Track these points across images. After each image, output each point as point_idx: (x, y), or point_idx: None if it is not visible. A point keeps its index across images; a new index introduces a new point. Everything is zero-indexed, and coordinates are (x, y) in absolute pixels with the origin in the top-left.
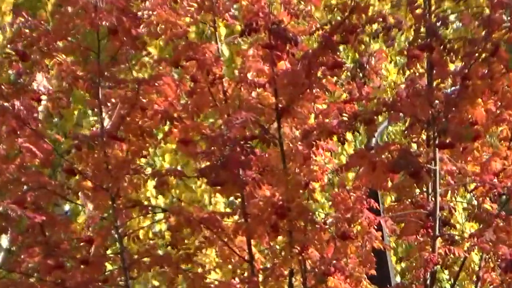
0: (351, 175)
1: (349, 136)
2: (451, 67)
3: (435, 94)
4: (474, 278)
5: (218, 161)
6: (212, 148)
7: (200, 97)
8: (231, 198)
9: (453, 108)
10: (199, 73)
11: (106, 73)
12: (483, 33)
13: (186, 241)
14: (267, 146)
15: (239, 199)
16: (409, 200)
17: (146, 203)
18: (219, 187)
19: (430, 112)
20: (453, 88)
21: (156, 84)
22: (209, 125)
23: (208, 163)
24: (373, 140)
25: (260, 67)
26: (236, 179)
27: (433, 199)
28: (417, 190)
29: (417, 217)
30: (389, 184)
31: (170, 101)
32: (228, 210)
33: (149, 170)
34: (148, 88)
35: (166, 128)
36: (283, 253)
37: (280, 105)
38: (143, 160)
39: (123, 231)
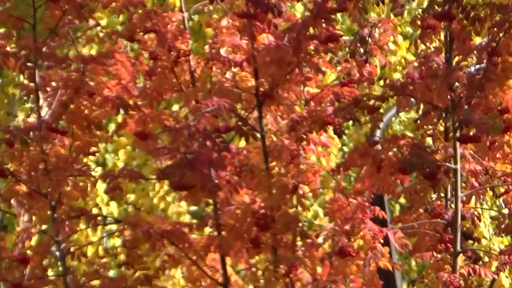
0: (351, 176)
1: (347, 127)
2: (476, 40)
3: (456, 74)
4: None
5: (183, 159)
6: (176, 143)
7: (161, 79)
8: (196, 207)
9: (478, 92)
10: (160, 49)
11: (44, 50)
12: None
13: (144, 260)
14: (245, 141)
15: (211, 207)
16: (423, 207)
17: (95, 211)
18: (184, 192)
19: (449, 97)
20: (477, 66)
21: (106, 63)
22: (173, 114)
23: (170, 162)
24: (378, 132)
25: (236, 42)
26: (205, 181)
27: (453, 206)
28: (433, 195)
29: (433, 229)
30: (399, 187)
31: (124, 85)
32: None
33: (98, 171)
34: (97, 68)
35: (120, 118)
36: (265, 274)
37: (261, 89)
38: (91, 158)
39: (66, 248)
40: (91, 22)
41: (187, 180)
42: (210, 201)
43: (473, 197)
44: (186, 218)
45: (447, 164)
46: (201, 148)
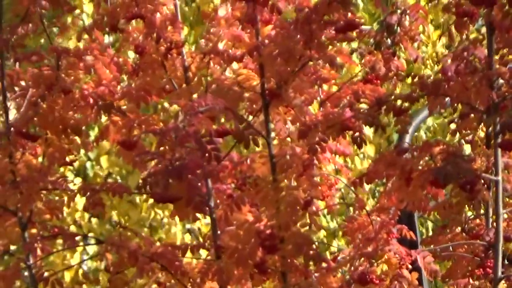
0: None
1: (369, 132)
2: None
3: (498, 70)
4: None
5: (168, 166)
6: (163, 147)
7: (149, 75)
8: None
9: None
10: (148, 41)
11: (11, 41)
12: None
13: (131, 287)
14: (245, 147)
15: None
16: (460, 227)
17: (74, 229)
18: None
19: (490, 96)
20: None
21: (85, 59)
22: (166, 119)
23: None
24: (407, 138)
25: (237, 33)
26: (192, 193)
27: (494, 224)
28: (471, 213)
29: (471, 252)
30: (431, 203)
31: (106, 84)
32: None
33: (77, 182)
34: (74, 64)
35: (103, 121)
36: None
37: (267, 88)
38: (69, 167)
39: (39, 272)
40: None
41: (172, 191)
42: (204, 217)
43: None
44: (186, 237)
45: (487, 175)
46: (191, 154)
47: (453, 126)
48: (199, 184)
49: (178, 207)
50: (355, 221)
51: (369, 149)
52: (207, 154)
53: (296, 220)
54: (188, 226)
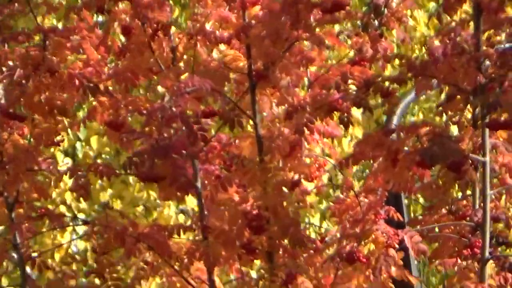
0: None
1: (358, 114)
2: (509, 12)
3: (485, 51)
4: None
5: (154, 145)
6: (149, 127)
7: (136, 57)
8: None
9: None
10: (135, 22)
11: None
12: None
13: (117, 268)
14: (230, 128)
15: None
16: (446, 208)
17: (64, 210)
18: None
19: (478, 77)
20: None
21: (72, 39)
22: (153, 100)
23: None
24: (394, 119)
25: (224, 14)
26: (178, 173)
27: (481, 205)
28: (458, 194)
29: (457, 232)
30: (417, 184)
31: (93, 65)
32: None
33: (68, 162)
34: (61, 44)
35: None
36: (260, 285)
37: (254, 69)
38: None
39: (26, 253)
40: None
41: (157, 170)
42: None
43: (504, 195)
44: (180, 218)
45: (474, 156)
46: (177, 134)
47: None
48: (185, 164)
49: (163, 187)
50: (343, 202)
51: (358, 132)
52: (193, 135)
53: (283, 201)
54: (181, 207)
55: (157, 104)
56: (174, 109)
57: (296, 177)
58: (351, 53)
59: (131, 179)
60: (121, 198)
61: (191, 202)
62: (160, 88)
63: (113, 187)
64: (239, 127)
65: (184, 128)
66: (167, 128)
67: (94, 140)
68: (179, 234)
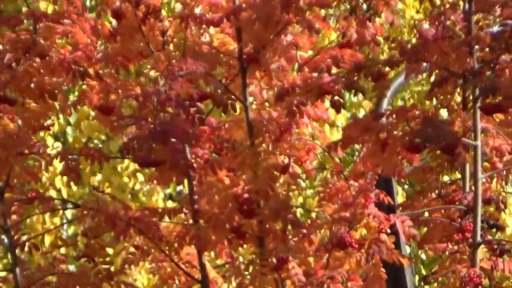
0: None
1: (347, 97)
2: None
3: (476, 34)
4: None
5: (152, 130)
6: (144, 111)
7: (126, 40)
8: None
9: (504, 55)
10: (125, 5)
11: None
12: None
13: (108, 252)
14: (223, 111)
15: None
16: (436, 191)
17: (53, 194)
18: (155, 172)
19: (468, 60)
20: (502, 24)
21: (62, 23)
22: (145, 84)
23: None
24: (384, 103)
25: (213, 0)
26: (177, 157)
27: (472, 189)
28: (447, 178)
29: (448, 216)
30: (406, 169)
31: (83, 49)
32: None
33: (58, 147)
34: (52, 28)
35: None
36: (251, 269)
37: (245, 52)
38: (49, 132)
39: (16, 237)
40: None
41: (155, 155)
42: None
43: (495, 179)
44: (168, 203)
45: (466, 140)
46: (173, 118)
47: None
48: (184, 148)
49: (162, 171)
50: (333, 186)
51: (341, 118)
52: (191, 118)
53: (274, 185)
54: (168, 190)
55: (152, 88)
56: (169, 92)
57: (287, 160)
58: (335, 36)
59: (119, 167)
60: (110, 183)
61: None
62: (151, 72)
63: (102, 172)
64: (232, 111)
65: (181, 111)
66: (161, 112)
67: (84, 125)
68: (170, 218)
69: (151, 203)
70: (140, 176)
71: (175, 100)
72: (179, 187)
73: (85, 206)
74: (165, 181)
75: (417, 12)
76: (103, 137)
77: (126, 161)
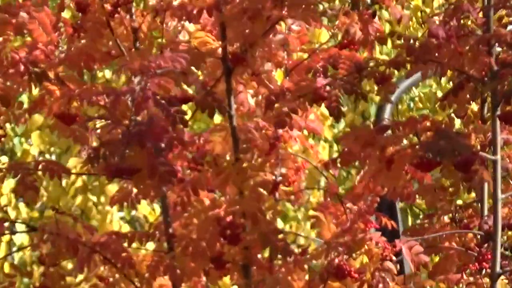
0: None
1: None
2: None
3: (496, 31)
4: None
5: (125, 133)
6: (115, 114)
7: (93, 37)
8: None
9: None
10: None
11: None
12: None
13: (68, 282)
14: (209, 115)
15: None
16: (450, 215)
17: None
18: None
19: (487, 62)
20: None
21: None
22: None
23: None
24: (387, 110)
25: None
26: (157, 163)
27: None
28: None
29: (462, 244)
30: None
31: (42, 48)
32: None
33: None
34: (4, 23)
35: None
36: None
37: (230, 52)
38: None
39: None
40: None
41: (131, 162)
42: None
43: None
44: (124, 227)
45: (484, 154)
46: (151, 119)
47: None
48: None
49: (139, 180)
50: (327, 209)
51: (328, 134)
52: (171, 118)
53: (261, 206)
54: (121, 213)
55: (125, 87)
56: (145, 91)
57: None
58: (329, 36)
59: (64, 182)
60: (56, 203)
61: (144, 208)
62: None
63: (52, 192)
64: (220, 115)
65: (160, 112)
66: (137, 114)
67: (35, 136)
68: (141, 243)
69: (105, 227)
70: (92, 196)
71: (153, 98)
72: (133, 212)
73: (43, 229)
74: (145, 193)
75: (423, 2)
76: (57, 150)
77: (73, 176)
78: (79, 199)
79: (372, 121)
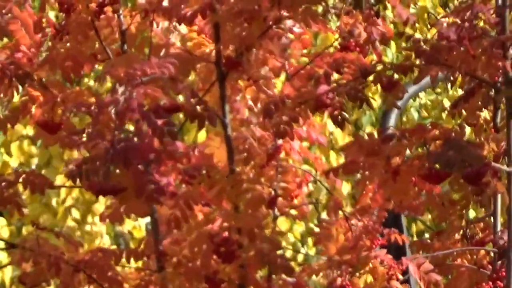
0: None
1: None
2: None
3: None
4: None
5: (109, 149)
6: (99, 126)
7: (77, 40)
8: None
9: None
10: None
11: None
12: None
13: None
14: (199, 126)
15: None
16: (461, 230)
17: None
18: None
19: (502, 66)
20: None
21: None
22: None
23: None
24: (392, 118)
25: None
26: (143, 180)
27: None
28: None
29: (475, 261)
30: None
31: (24, 51)
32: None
33: None
34: None
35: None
36: None
37: (224, 56)
38: None
39: None
40: None
41: (116, 180)
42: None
43: None
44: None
45: (497, 165)
46: (136, 133)
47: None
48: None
49: (124, 199)
50: (331, 226)
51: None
52: (159, 132)
53: (259, 221)
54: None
55: (108, 97)
56: (130, 102)
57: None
58: (335, 37)
59: (54, 201)
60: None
61: (129, 223)
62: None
63: (32, 209)
64: (211, 125)
65: (150, 124)
66: (121, 127)
67: (15, 147)
68: (128, 261)
69: (94, 246)
70: (76, 213)
71: (138, 110)
72: (118, 228)
73: (24, 246)
74: (131, 212)
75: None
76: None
77: (62, 192)
78: (62, 217)
79: (364, 130)
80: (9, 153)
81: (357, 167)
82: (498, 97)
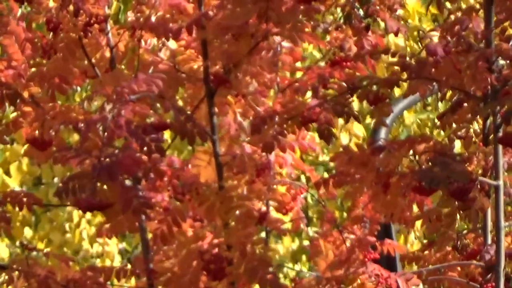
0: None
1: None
2: None
3: (497, 46)
4: None
5: (96, 165)
6: (87, 143)
7: (65, 57)
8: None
9: None
10: (64, 13)
11: None
12: None
13: None
14: (189, 143)
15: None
16: (451, 243)
17: None
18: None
19: (489, 80)
20: None
21: None
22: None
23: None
24: (382, 132)
25: (175, 1)
26: (130, 196)
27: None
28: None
29: (465, 274)
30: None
31: (17, 67)
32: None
33: None
34: None
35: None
36: None
37: (212, 72)
38: None
39: None
40: None
41: (102, 196)
42: None
43: None
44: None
45: (485, 179)
46: (123, 150)
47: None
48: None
49: (111, 215)
50: (324, 239)
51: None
52: (147, 148)
53: (249, 237)
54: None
55: (96, 115)
56: (117, 119)
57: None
58: (324, 51)
59: (64, 216)
60: (49, 241)
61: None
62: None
63: (40, 228)
64: (201, 140)
65: (137, 141)
66: (108, 144)
67: (14, 167)
68: (119, 280)
69: (103, 261)
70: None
71: (126, 127)
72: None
73: (14, 266)
74: (117, 229)
75: (419, 20)
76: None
77: (75, 213)
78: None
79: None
80: (8, 174)
81: (347, 179)
82: (483, 111)
